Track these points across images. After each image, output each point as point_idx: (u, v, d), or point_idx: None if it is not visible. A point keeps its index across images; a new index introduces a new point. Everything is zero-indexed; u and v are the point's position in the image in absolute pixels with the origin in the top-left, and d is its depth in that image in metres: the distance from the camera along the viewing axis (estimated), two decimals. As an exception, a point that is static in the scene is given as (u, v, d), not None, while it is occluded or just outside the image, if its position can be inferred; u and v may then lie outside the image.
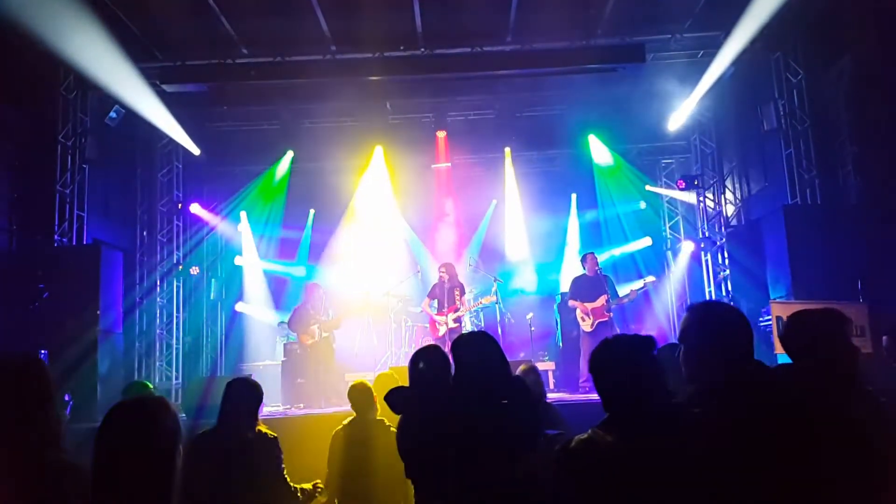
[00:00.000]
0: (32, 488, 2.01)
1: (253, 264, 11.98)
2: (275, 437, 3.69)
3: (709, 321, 2.16)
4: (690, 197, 11.11)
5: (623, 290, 8.92)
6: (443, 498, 2.99)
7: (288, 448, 3.81)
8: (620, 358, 2.15)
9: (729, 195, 10.64)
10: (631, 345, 2.18)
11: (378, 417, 4.31)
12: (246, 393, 3.70)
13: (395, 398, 3.42)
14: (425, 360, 3.41)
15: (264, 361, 10.79)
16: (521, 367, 4.45)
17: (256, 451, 3.56)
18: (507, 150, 11.65)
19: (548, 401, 4.70)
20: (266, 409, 8.13)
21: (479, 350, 3.15)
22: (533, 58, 8.91)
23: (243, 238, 11.88)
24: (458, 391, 3.11)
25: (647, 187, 11.57)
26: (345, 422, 4.39)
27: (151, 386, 4.45)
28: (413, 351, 3.70)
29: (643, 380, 2.08)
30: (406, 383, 3.52)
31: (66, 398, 6.36)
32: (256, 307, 11.77)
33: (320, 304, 9.16)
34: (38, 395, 2.21)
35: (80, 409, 6.75)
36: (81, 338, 7.64)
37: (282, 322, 10.44)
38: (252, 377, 4.11)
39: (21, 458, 2.07)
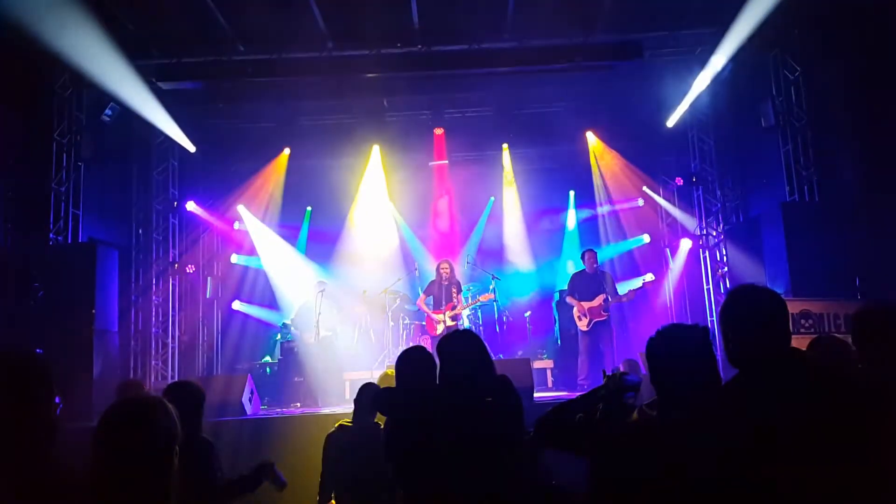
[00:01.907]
0: (22, 488, 1.98)
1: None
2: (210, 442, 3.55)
3: (731, 310, 2.18)
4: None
5: (622, 288, 8.91)
6: (431, 498, 2.98)
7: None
8: (674, 344, 2.20)
9: (727, 192, 10.64)
10: (686, 332, 2.23)
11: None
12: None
13: (382, 400, 3.42)
14: (410, 361, 3.41)
15: (261, 361, 10.77)
16: None
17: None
18: (505, 145, 11.62)
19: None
20: (262, 409, 8.11)
21: (462, 349, 3.15)
22: (530, 55, 8.88)
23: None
24: (442, 391, 3.12)
25: (644, 188, 11.54)
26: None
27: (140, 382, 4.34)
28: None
29: (694, 366, 2.13)
30: None
31: (56, 400, 6.31)
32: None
33: (324, 302, 9.15)
34: (32, 393, 2.18)
35: (76, 409, 6.71)
36: (76, 337, 7.61)
37: (284, 323, 10.37)
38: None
39: (11, 457, 2.04)
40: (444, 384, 3.14)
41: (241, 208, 11.56)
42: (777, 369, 2.04)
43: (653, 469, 1.98)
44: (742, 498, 1.87)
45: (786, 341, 2.11)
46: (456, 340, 3.24)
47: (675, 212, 11.34)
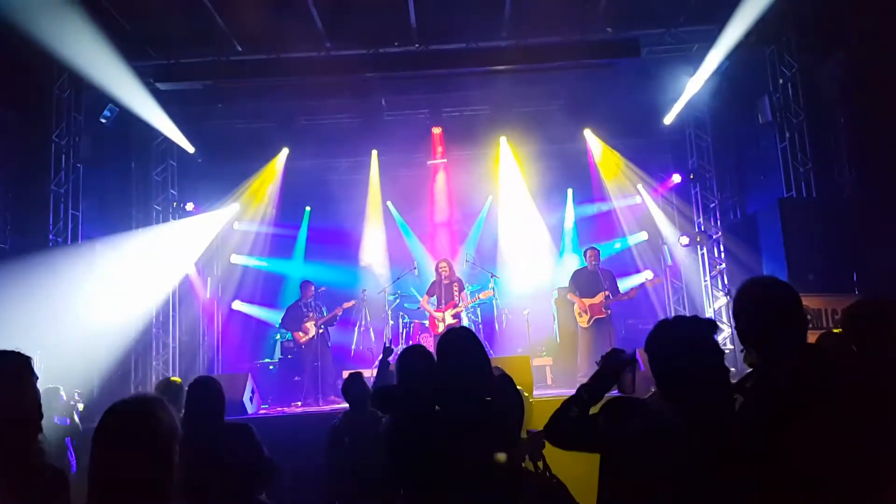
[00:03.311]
0: (12, 486, 2.00)
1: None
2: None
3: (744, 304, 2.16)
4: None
5: (621, 285, 8.92)
6: (431, 495, 3.01)
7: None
8: (678, 337, 2.14)
9: (725, 189, 10.65)
10: (691, 325, 2.17)
11: None
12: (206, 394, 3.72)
13: (381, 398, 3.44)
14: (409, 360, 3.43)
15: (262, 360, 10.78)
16: None
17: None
18: (504, 138, 11.57)
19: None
20: (263, 408, 8.14)
21: (458, 348, 3.18)
22: (527, 53, 8.90)
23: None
24: (440, 390, 3.14)
25: (639, 185, 11.55)
26: None
27: (179, 380, 4.39)
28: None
29: (698, 361, 2.07)
30: None
31: (77, 396, 6.33)
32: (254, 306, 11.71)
33: (314, 301, 9.18)
34: (17, 393, 2.19)
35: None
36: (77, 338, 7.61)
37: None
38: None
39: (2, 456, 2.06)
40: (443, 377, 3.17)
41: (237, 209, 11.55)
42: (797, 363, 2.00)
43: (656, 466, 2.00)
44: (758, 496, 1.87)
45: (804, 334, 2.08)
46: (453, 335, 3.30)
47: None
